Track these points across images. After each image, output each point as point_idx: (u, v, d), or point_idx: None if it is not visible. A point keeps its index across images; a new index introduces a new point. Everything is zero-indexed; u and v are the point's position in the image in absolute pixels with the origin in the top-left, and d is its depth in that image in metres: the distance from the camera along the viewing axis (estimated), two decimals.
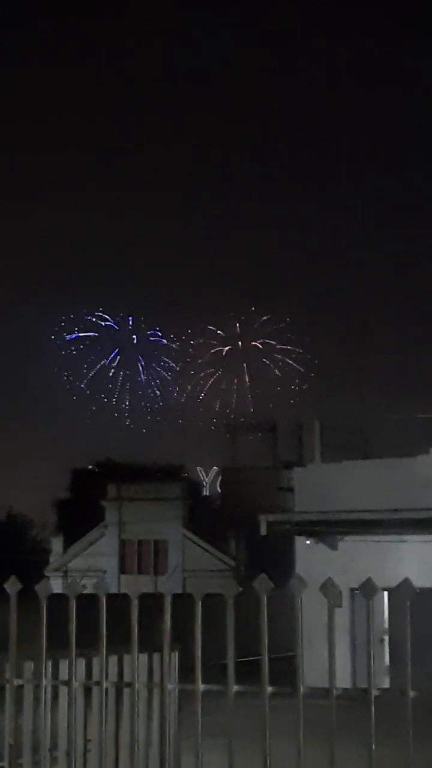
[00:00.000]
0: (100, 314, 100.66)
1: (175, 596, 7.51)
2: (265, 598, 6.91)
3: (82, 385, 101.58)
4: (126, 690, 8.40)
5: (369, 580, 6.64)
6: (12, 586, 7.88)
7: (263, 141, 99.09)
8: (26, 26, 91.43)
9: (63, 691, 8.41)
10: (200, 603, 7.23)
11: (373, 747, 6.67)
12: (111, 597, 7.86)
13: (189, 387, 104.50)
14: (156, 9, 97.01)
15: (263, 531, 29.72)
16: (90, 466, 71.40)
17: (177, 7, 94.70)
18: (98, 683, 8.04)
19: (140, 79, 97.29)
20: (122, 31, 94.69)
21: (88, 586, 8.27)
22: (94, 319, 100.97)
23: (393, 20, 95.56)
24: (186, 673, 8.13)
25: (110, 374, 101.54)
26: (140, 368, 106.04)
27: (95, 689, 8.22)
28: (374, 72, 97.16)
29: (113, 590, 45.41)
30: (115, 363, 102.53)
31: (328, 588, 6.67)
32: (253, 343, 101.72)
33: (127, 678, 8.24)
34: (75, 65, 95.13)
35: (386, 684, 26.29)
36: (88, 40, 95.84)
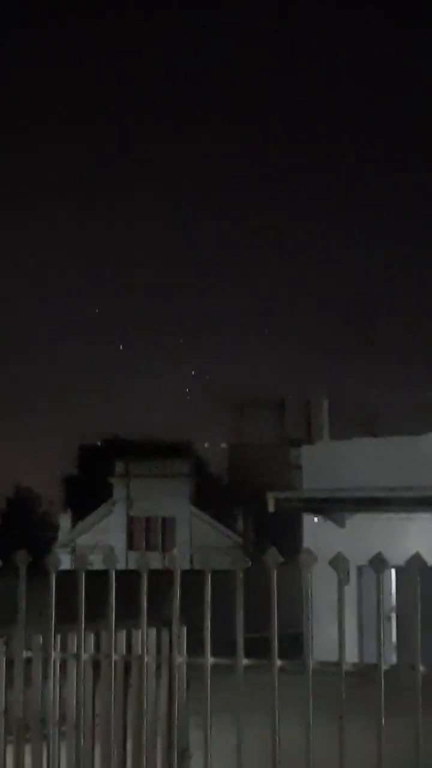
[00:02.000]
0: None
1: (184, 572, 7.50)
2: (275, 572, 6.90)
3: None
4: (134, 665, 8.39)
5: (379, 554, 6.62)
6: (21, 558, 7.87)
7: (264, 137, 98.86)
8: (26, 25, 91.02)
9: (71, 665, 8.40)
10: (210, 577, 7.22)
11: (383, 721, 6.67)
12: (119, 573, 7.85)
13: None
14: (155, 8, 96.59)
15: (271, 508, 29.72)
16: (97, 443, 71.43)
17: (177, 7, 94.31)
18: (108, 656, 8.04)
19: (140, 78, 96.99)
20: (122, 30, 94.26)
21: (96, 562, 8.27)
22: None
23: (393, 20, 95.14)
24: (194, 648, 8.12)
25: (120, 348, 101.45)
26: None
27: (104, 663, 8.21)
28: (376, 71, 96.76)
29: (121, 567, 45.22)
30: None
31: (338, 562, 6.66)
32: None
33: (135, 652, 8.23)
34: (74, 64, 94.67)
35: (393, 662, 26.33)
36: (88, 39, 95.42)
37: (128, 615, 8.09)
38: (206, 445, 70.47)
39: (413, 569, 6.55)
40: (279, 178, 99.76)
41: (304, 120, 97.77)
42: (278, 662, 7.04)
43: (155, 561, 7.75)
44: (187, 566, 7.64)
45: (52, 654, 8.25)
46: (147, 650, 7.99)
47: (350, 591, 26.70)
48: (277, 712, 6.98)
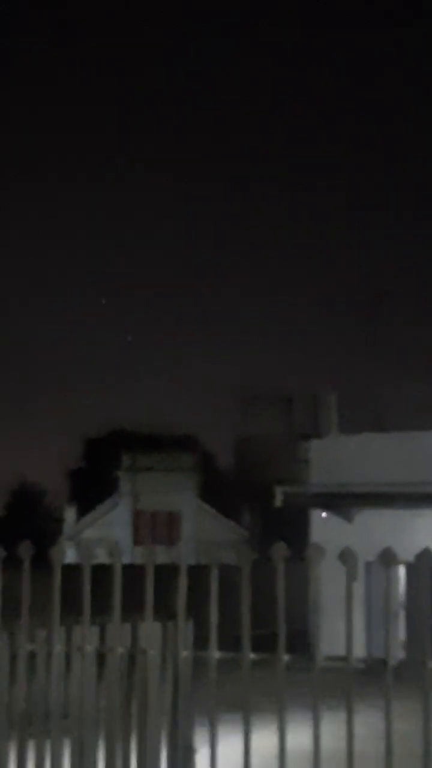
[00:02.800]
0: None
1: (190, 567, 7.43)
2: (283, 566, 6.82)
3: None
4: (139, 659, 8.32)
5: (388, 548, 6.54)
6: (25, 550, 7.80)
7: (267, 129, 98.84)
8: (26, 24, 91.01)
9: (75, 658, 8.33)
10: (216, 571, 7.14)
11: (391, 716, 6.59)
12: (124, 567, 7.78)
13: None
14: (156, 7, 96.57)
15: (278, 502, 29.67)
16: (104, 436, 71.41)
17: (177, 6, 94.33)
18: (112, 650, 7.97)
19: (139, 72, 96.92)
20: (120, 25, 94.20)
21: (101, 555, 8.20)
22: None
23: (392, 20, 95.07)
24: (199, 643, 8.05)
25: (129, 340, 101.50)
26: None
27: (108, 657, 8.14)
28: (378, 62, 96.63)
29: (126, 561, 45.14)
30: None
31: (347, 557, 6.58)
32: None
33: (140, 646, 8.16)
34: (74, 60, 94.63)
35: (401, 658, 26.27)
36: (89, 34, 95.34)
37: (133, 609, 8.02)
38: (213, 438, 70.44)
39: (423, 565, 6.48)
40: (288, 173, 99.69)
41: (309, 112, 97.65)
42: (285, 657, 6.96)
43: (161, 555, 7.67)
44: (192, 561, 7.56)
45: (57, 647, 8.18)
46: (152, 644, 7.93)
47: (358, 587, 26.59)
48: (283, 705, 6.90)
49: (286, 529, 30.66)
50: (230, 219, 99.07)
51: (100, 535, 57.18)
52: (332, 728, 6.90)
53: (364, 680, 7.09)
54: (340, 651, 6.83)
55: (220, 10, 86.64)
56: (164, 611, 8.14)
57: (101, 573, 8.19)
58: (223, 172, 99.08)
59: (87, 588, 7.79)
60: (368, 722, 7.42)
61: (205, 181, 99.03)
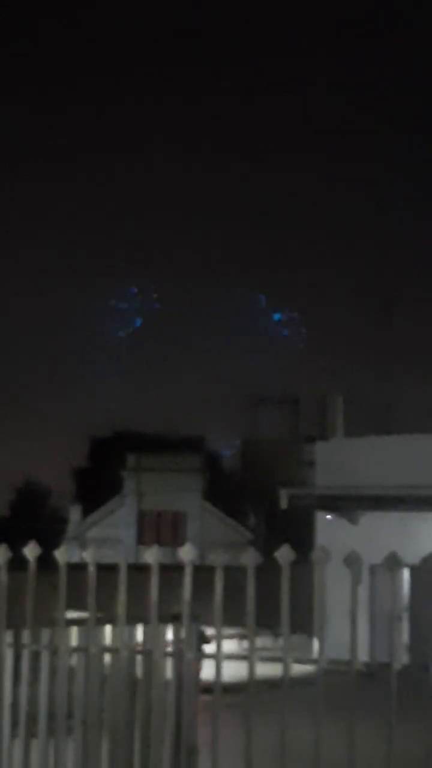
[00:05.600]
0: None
1: (194, 568, 7.43)
2: (288, 569, 6.82)
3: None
4: (143, 659, 8.32)
5: (393, 553, 6.54)
6: (31, 551, 7.81)
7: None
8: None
9: (79, 658, 8.33)
10: (221, 571, 7.15)
11: (394, 721, 6.59)
12: (129, 567, 7.79)
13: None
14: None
15: (284, 504, 29.64)
16: (109, 436, 71.37)
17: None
18: (116, 650, 7.97)
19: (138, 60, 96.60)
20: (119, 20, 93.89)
21: (105, 556, 8.21)
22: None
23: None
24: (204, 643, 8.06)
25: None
26: None
27: (113, 657, 8.14)
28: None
29: (131, 561, 45.16)
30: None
31: (352, 560, 6.58)
32: None
33: (144, 646, 8.16)
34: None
35: (404, 662, 26.23)
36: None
37: (138, 609, 8.03)
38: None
39: (427, 568, 6.48)
40: (298, 168, 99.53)
41: (313, 105, 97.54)
42: (290, 659, 6.97)
43: (165, 556, 7.68)
44: (197, 561, 7.56)
45: (61, 647, 8.18)
46: (156, 645, 7.93)
47: (362, 590, 26.56)
48: (288, 709, 6.91)
49: (290, 531, 30.66)
50: (241, 217, 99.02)
51: (105, 535, 57.19)
52: (335, 731, 6.89)
53: (365, 687, 7.08)
54: (344, 655, 6.82)
55: None
56: (169, 612, 8.15)
57: (106, 572, 8.20)
58: (224, 173, 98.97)
59: (92, 590, 7.80)
60: (371, 726, 7.41)
61: (215, 172, 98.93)
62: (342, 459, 30.51)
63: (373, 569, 27.01)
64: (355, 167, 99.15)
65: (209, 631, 7.69)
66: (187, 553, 7.43)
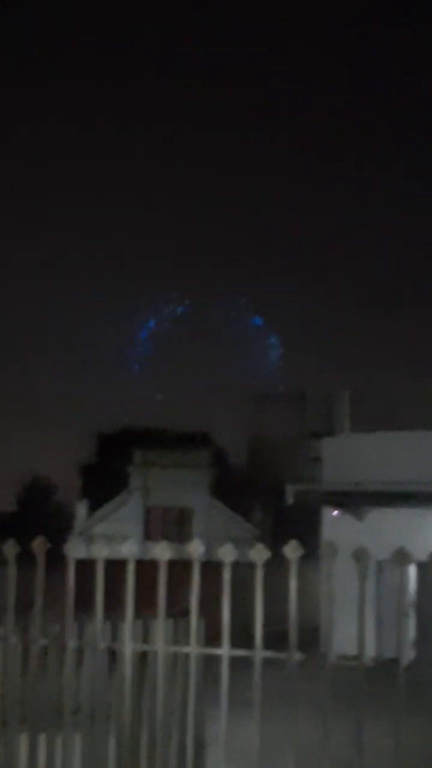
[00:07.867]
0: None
1: (201, 564, 7.43)
2: (296, 565, 6.83)
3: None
4: (150, 655, 8.33)
5: (401, 548, 6.55)
6: (39, 546, 7.82)
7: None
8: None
9: (87, 654, 8.34)
10: (230, 567, 7.15)
11: (402, 715, 6.60)
12: (136, 563, 7.80)
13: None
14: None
15: (290, 500, 29.63)
16: (116, 431, 71.38)
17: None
18: (123, 646, 7.98)
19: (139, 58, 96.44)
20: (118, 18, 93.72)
21: (112, 552, 8.22)
22: None
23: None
24: (211, 641, 8.07)
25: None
26: None
27: (119, 652, 8.15)
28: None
29: (138, 557, 44.99)
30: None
31: (360, 555, 6.59)
32: None
33: (152, 642, 8.17)
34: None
35: (411, 657, 26.20)
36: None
37: (145, 605, 8.04)
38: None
39: None
40: (307, 171, 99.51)
41: (318, 101, 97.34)
42: (297, 655, 6.97)
43: (173, 552, 7.69)
44: (204, 558, 7.57)
45: (69, 643, 8.19)
46: (164, 640, 7.93)
47: (369, 586, 26.54)
48: (296, 703, 6.92)
49: (297, 527, 30.66)
50: (247, 212, 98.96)
51: (111, 531, 57.19)
52: (342, 725, 6.91)
53: (372, 682, 7.09)
54: (351, 650, 6.83)
55: None
56: (176, 608, 8.16)
57: (113, 568, 8.22)
58: (226, 173, 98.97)
59: (99, 585, 7.81)
60: (378, 720, 7.43)
61: (216, 180, 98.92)
62: (348, 455, 30.49)
63: (379, 565, 27.10)
64: (359, 160, 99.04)
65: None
66: (196, 549, 7.44)
